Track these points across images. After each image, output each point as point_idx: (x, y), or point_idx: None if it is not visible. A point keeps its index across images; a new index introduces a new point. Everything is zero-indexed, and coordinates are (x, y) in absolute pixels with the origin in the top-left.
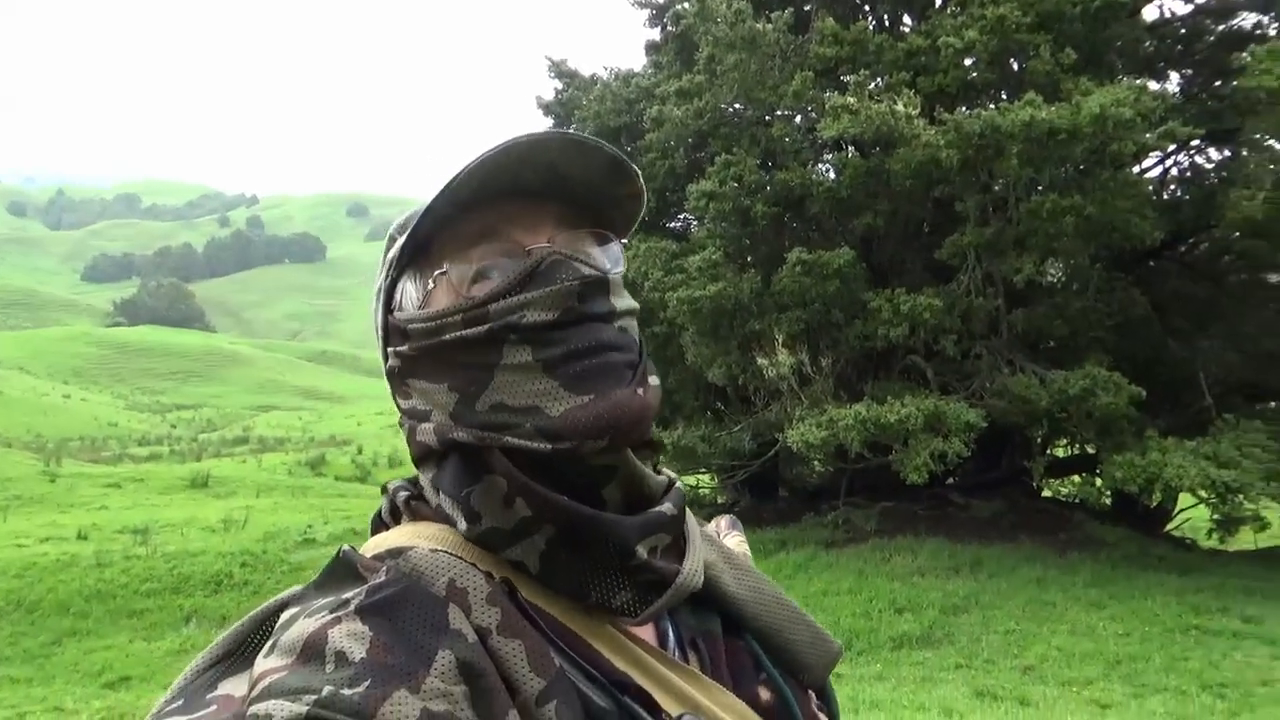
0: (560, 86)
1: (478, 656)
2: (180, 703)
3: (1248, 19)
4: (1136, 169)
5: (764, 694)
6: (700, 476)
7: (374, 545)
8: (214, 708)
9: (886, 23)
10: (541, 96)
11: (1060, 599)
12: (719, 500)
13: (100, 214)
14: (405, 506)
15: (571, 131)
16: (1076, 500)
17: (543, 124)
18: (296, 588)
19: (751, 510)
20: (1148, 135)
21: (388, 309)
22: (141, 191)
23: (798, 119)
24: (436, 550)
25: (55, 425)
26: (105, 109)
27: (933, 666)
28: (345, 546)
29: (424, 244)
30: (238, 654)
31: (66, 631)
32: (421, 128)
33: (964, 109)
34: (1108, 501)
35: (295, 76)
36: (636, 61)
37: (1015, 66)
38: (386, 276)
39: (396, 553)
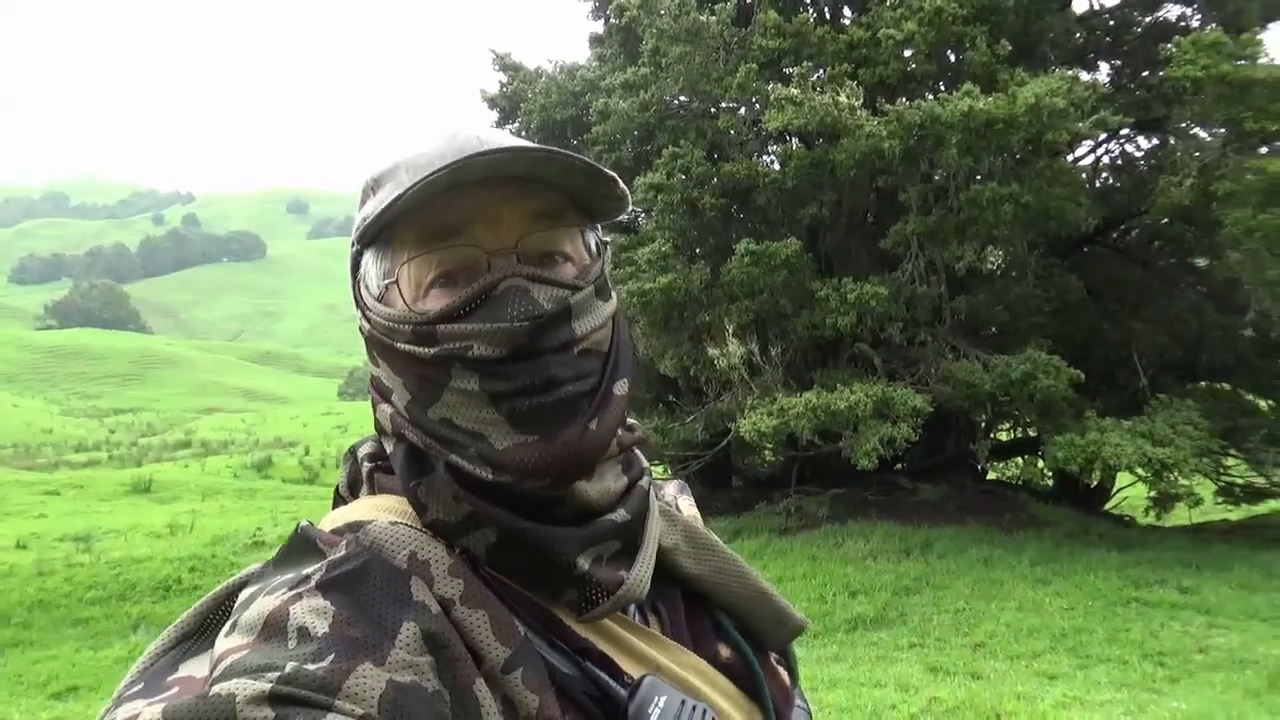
0: (505, 80)
1: (442, 627)
2: (140, 686)
3: (1173, 10)
4: (1070, 158)
5: (724, 651)
6: (655, 468)
7: (333, 520)
8: (175, 690)
9: (828, 15)
10: (486, 90)
11: (1007, 577)
12: None
13: (28, 213)
14: (368, 479)
15: (548, 148)
16: (1020, 482)
17: (488, 117)
18: (255, 565)
19: (705, 500)
20: (1080, 124)
21: (355, 273)
22: (71, 190)
23: (743, 111)
24: (397, 523)
25: None
26: (31, 105)
27: (887, 646)
28: (304, 521)
29: (389, 221)
30: (197, 634)
31: (9, 642)
32: (363, 122)
33: (905, 100)
34: (1050, 482)
35: (232, 71)
36: (581, 54)
37: (953, 58)
38: (353, 242)
39: (356, 526)
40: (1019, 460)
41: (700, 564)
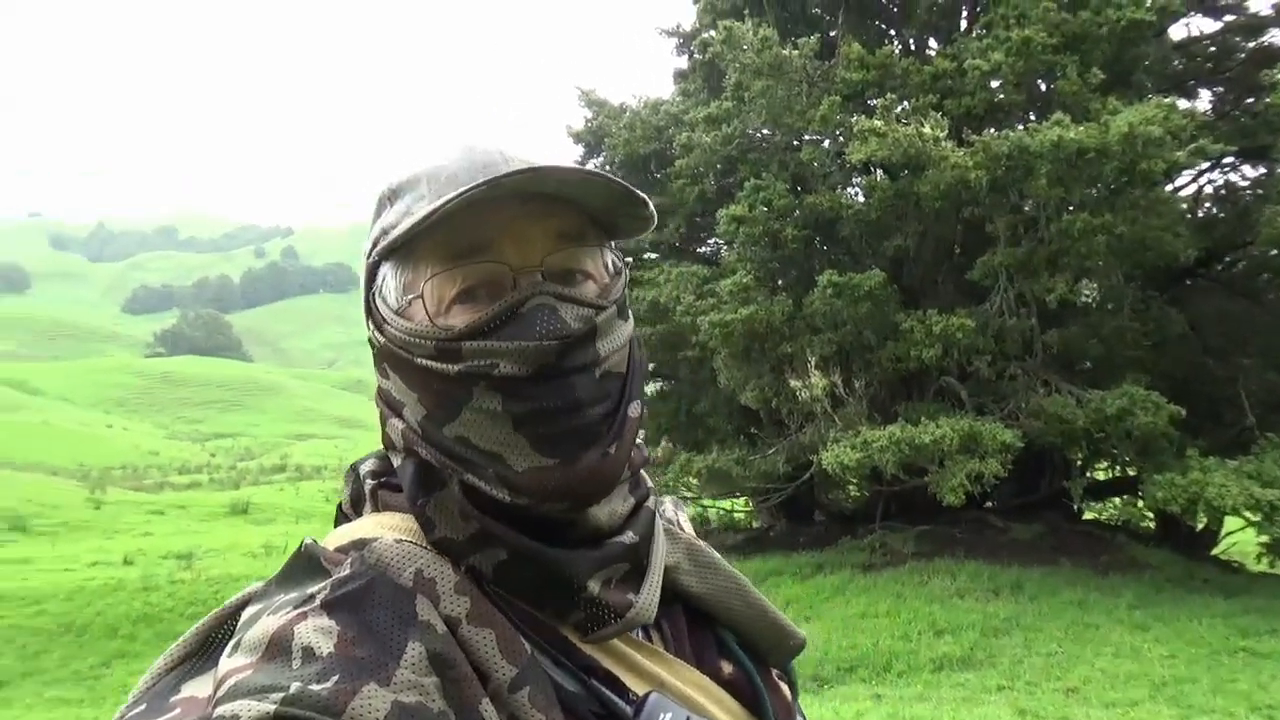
0: (590, 115)
1: (448, 647)
2: (143, 707)
3: (1277, 36)
4: (1169, 187)
5: (726, 668)
6: (735, 500)
7: (337, 537)
8: (178, 711)
9: (912, 46)
10: (572, 125)
11: (1103, 621)
12: (753, 524)
13: (140, 246)
14: (371, 496)
15: (579, 167)
16: (1119, 523)
17: (574, 152)
18: (258, 583)
19: (787, 534)
20: (1178, 153)
21: (370, 284)
22: (179, 224)
23: (826, 143)
24: (402, 540)
25: (99, 454)
26: (145, 145)
27: (974, 688)
28: (308, 539)
29: (412, 234)
30: (200, 653)
31: (115, 654)
32: None
33: (992, 130)
34: (1151, 524)
35: (329, 110)
36: (665, 89)
37: (1043, 87)
38: (371, 252)
39: (361, 544)
40: (1117, 500)
41: (703, 582)
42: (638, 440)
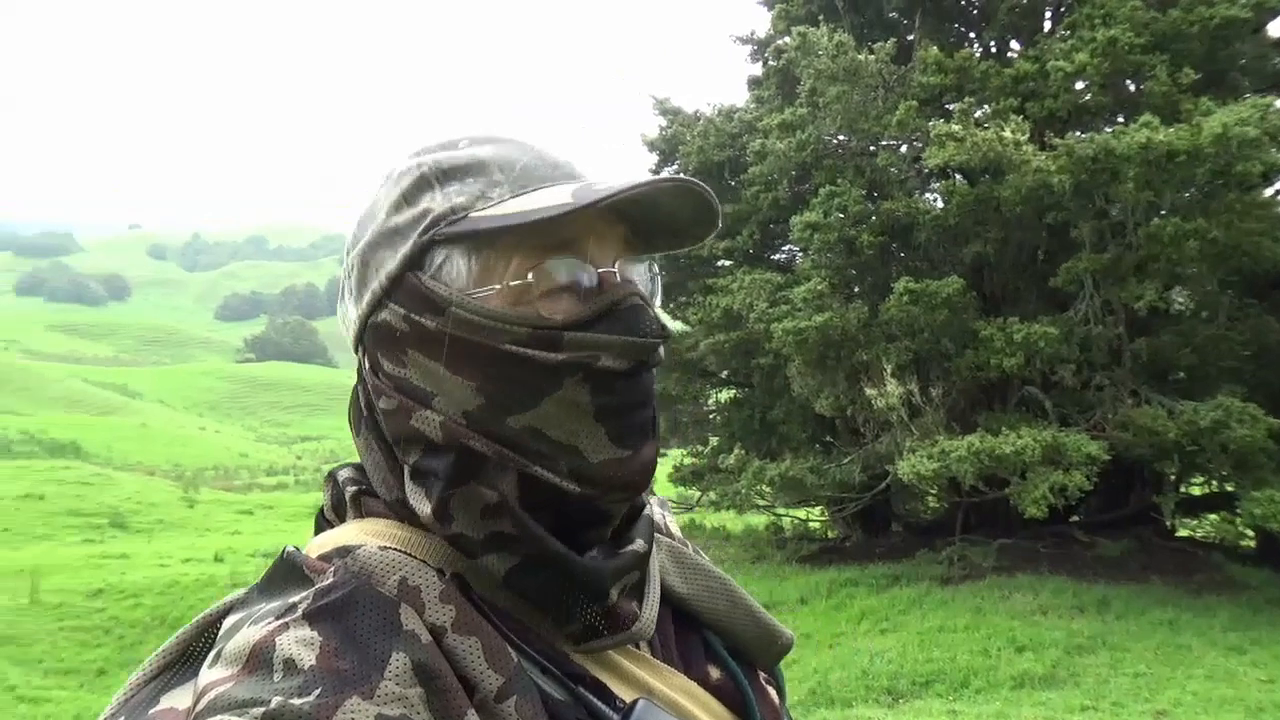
0: (664, 123)
1: (432, 657)
2: (122, 719)
3: None
4: (1270, 191)
5: (714, 673)
6: (809, 510)
7: (319, 545)
8: None
9: (993, 49)
10: (646, 134)
11: (1195, 643)
12: (829, 534)
13: (232, 256)
14: (353, 502)
15: (685, 178)
16: (1215, 540)
17: (648, 160)
18: (239, 591)
19: (863, 545)
20: (1277, 154)
21: (415, 266)
22: (269, 234)
23: (903, 148)
24: (386, 548)
25: (192, 455)
26: (236, 158)
27: (1056, 707)
28: (289, 547)
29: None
30: (180, 663)
31: None
32: None
33: (1076, 133)
34: (1250, 542)
35: (412, 119)
36: (739, 97)
37: (1131, 88)
38: (419, 229)
39: (344, 551)
40: (1213, 517)
41: (688, 584)
42: None
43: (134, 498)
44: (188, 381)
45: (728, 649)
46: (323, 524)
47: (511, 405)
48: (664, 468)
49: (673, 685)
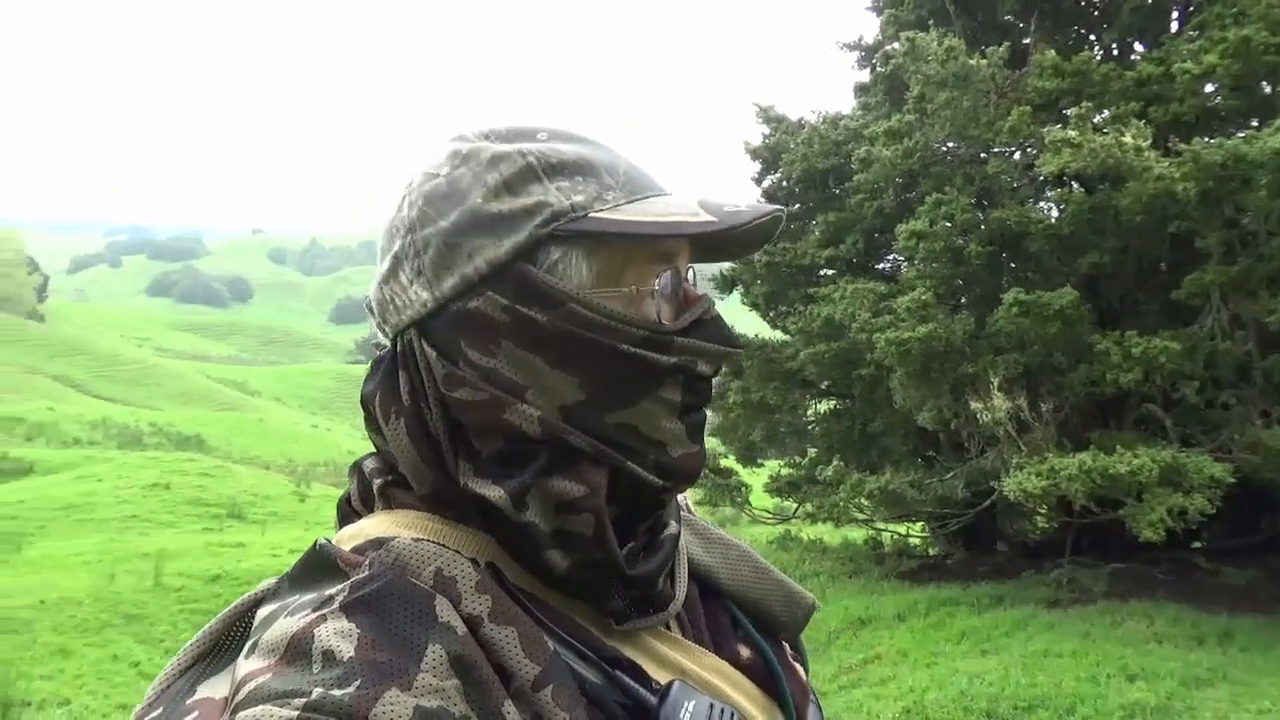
0: (768, 131)
1: (468, 648)
2: (159, 710)
3: None
4: None
5: (744, 652)
6: (910, 525)
7: (350, 536)
8: (195, 714)
9: (1114, 51)
10: (749, 142)
11: None
12: (930, 551)
13: (346, 261)
14: (380, 494)
15: (778, 208)
16: None
17: (750, 169)
18: (270, 581)
19: (966, 563)
20: None
21: (525, 257)
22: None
23: (1015, 155)
24: (420, 539)
25: (305, 451)
26: (352, 164)
27: None
28: (321, 539)
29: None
30: (213, 653)
31: None
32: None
33: (1204, 138)
34: None
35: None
36: (844, 104)
37: (1266, 90)
38: (535, 221)
39: (378, 544)
40: None
41: (711, 555)
42: None
43: (251, 490)
44: (302, 381)
45: (754, 624)
46: (349, 515)
47: (612, 402)
48: (760, 478)
49: (705, 666)
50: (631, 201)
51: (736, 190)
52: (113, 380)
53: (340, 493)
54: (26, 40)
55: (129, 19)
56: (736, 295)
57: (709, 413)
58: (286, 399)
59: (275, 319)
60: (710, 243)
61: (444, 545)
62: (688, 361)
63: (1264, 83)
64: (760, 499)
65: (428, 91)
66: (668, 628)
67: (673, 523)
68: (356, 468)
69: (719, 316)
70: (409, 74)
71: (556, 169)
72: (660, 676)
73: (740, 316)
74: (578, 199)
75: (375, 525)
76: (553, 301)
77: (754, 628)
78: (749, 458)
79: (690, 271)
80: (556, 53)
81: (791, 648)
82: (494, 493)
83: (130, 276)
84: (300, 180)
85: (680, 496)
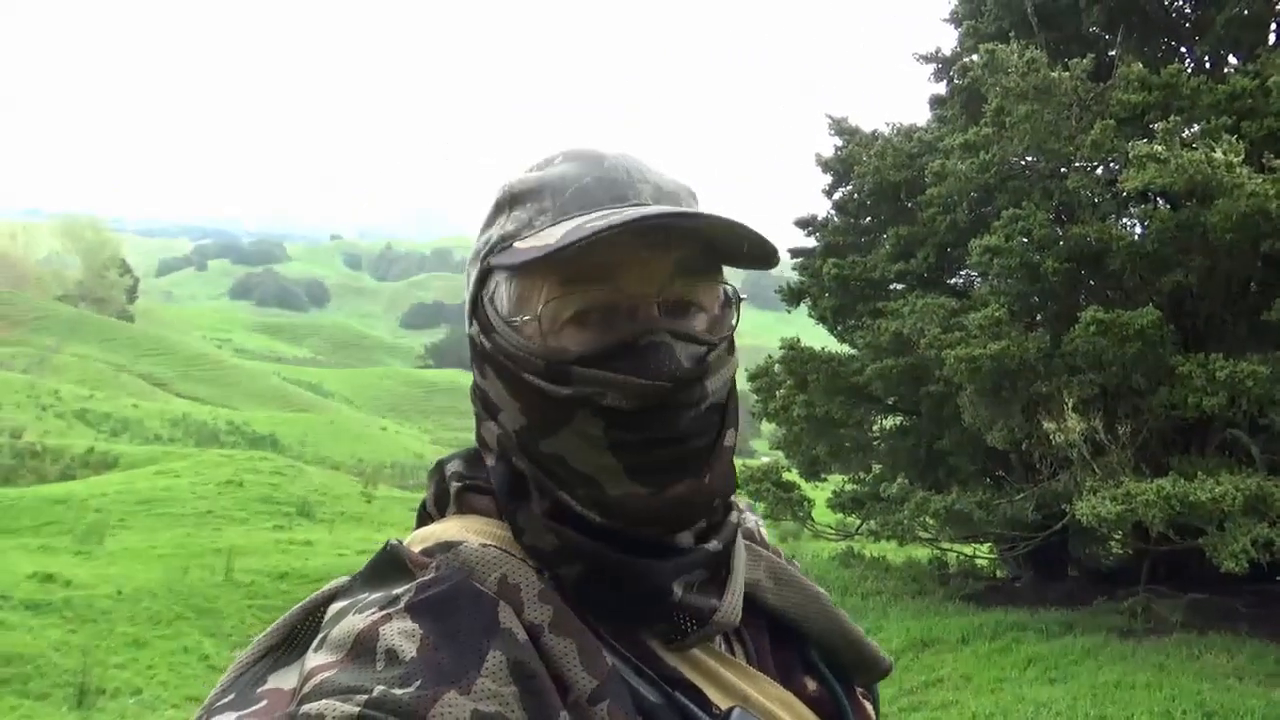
0: (840, 143)
1: (529, 656)
2: (232, 697)
3: None
4: None
5: (810, 685)
6: (977, 546)
7: (421, 538)
8: (264, 703)
9: (1206, 63)
10: (821, 154)
11: None
12: (997, 573)
13: (419, 267)
14: (456, 498)
15: (724, 217)
16: None
17: (821, 181)
18: (343, 578)
19: (1035, 587)
20: None
21: (481, 285)
22: (454, 246)
23: (1097, 170)
24: (487, 545)
25: (373, 452)
26: (424, 173)
27: None
28: (392, 540)
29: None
30: (285, 646)
31: None
32: (708, 180)
33: None
34: None
35: (586, 126)
36: (920, 117)
37: None
38: (485, 255)
39: (447, 547)
40: None
41: (783, 600)
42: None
43: (320, 490)
44: (373, 384)
45: (825, 662)
46: (424, 517)
47: (544, 430)
48: (823, 493)
49: (769, 695)
50: (557, 223)
51: (803, 202)
52: (194, 379)
53: (405, 495)
54: (106, 44)
55: (217, 29)
56: (804, 308)
57: (773, 426)
58: (357, 401)
59: (349, 323)
60: (721, 252)
61: (510, 553)
62: (591, 393)
63: None
64: (823, 514)
65: (497, 95)
66: (733, 654)
67: (714, 542)
68: (438, 469)
69: (657, 345)
70: (428, 80)
71: (517, 198)
72: (721, 702)
73: (807, 329)
74: (510, 228)
75: (446, 529)
76: (490, 330)
77: (824, 664)
78: (813, 472)
79: (719, 288)
80: (557, 52)
81: (864, 689)
82: (511, 520)
83: (214, 279)
84: (376, 188)
85: (755, 527)
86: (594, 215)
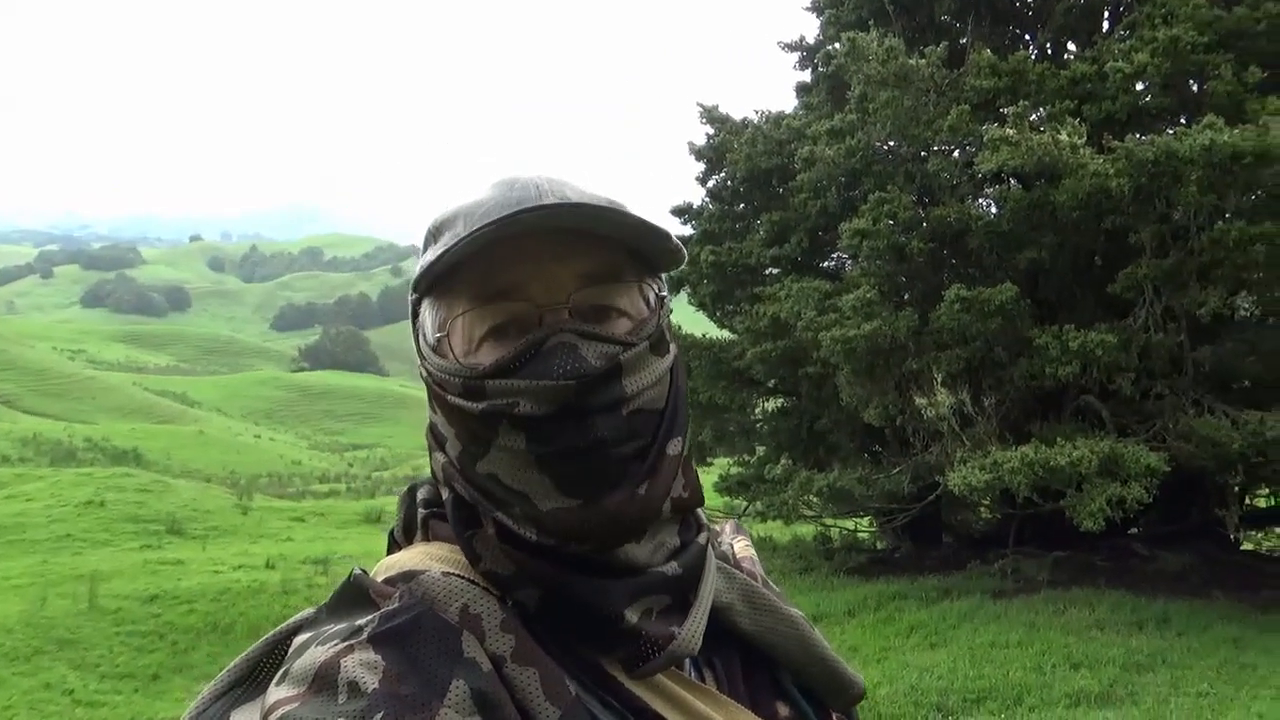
0: (711, 132)
1: (492, 686)
2: None
3: None
4: None
5: (783, 710)
6: (858, 520)
7: (386, 567)
8: None
9: (1049, 50)
10: (694, 142)
11: (1263, 661)
12: (878, 545)
13: (288, 267)
14: (423, 525)
15: (595, 205)
16: None
17: (694, 169)
18: (309, 610)
19: (913, 556)
20: None
21: (415, 319)
22: (324, 245)
23: (955, 154)
24: (449, 574)
25: (247, 462)
26: (296, 170)
27: None
28: (357, 569)
29: (445, 272)
30: (249, 680)
31: None
32: (591, 175)
33: (1136, 135)
34: None
35: (462, 131)
36: (787, 104)
37: (1194, 88)
38: (412, 289)
39: (409, 576)
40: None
41: (756, 624)
42: (690, 479)
43: (190, 505)
44: (244, 390)
45: (798, 687)
46: (392, 545)
47: (475, 452)
48: (710, 477)
49: None
50: (459, 241)
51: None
52: (45, 394)
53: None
54: None
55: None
56: (683, 295)
57: None
58: (227, 409)
59: (215, 328)
60: (640, 256)
61: (474, 581)
62: (504, 405)
63: (1192, 81)
64: (711, 498)
65: (366, 88)
66: (702, 680)
67: (673, 564)
68: (409, 495)
69: (561, 345)
70: (401, 74)
71: (438, 230)
72: None
73: (688, 316)
74: (429, 257)
75: (410, 557)
76: (423, 359)
77: (797, 689)
78: (699, 458)
79: (637, 290)
80: (555, 53)
81: (840, 712)
82: (467, 547)
83: (63, 287)
84: (240, 187)
85: (729, 540)
86: (475, 228)
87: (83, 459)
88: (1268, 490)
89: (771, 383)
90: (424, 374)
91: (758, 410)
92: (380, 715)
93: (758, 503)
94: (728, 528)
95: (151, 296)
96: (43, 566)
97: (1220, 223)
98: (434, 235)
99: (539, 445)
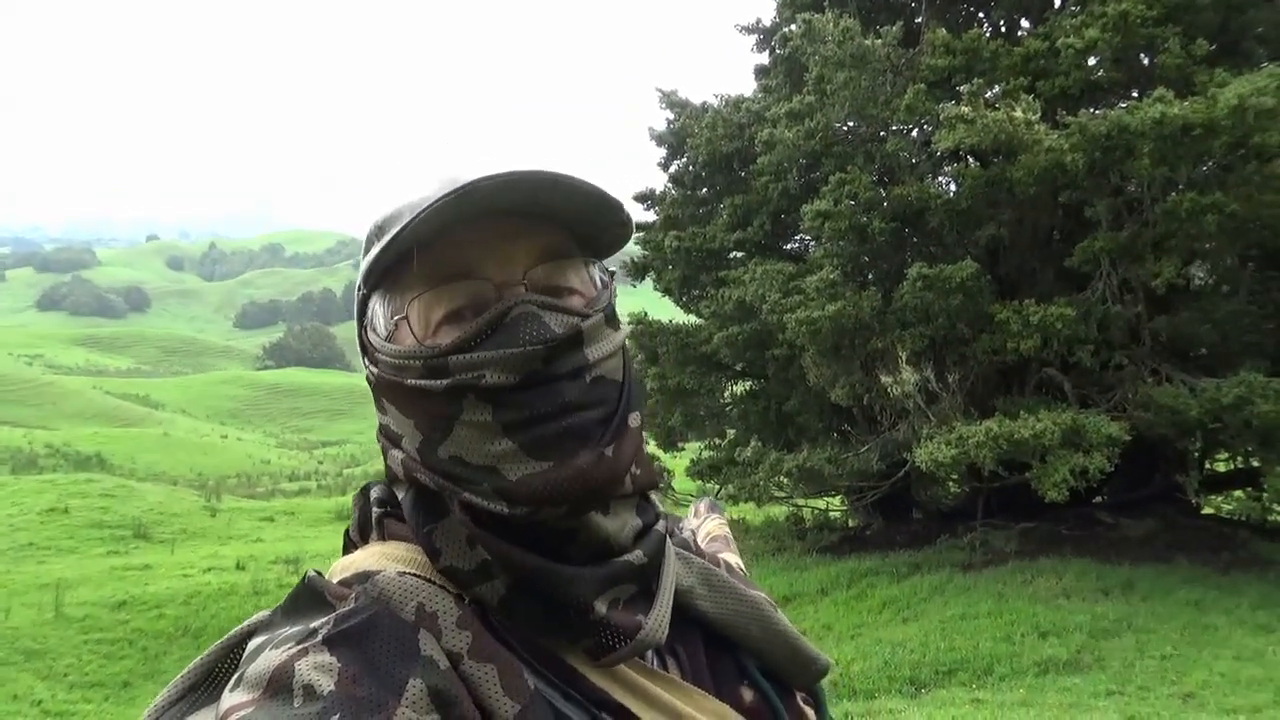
0: (672, 116)
1: (449, 683)
2: None
3: None
4: None
5: (747, 695)
6: (829, 499)
7: (341, 568)
8: None
9: (1002, 28)
10: (654, 127)
11: (1223, 622)
12: (849, 523)
13: (249, 264)
14: (377, 525)
15: (551, 171)
16: (1241, 518)
17: (656, 154)
18: (264, 613)
19: (884, 533)
20: None
21: (361, 319)
22: (286, 241)
23: (913, 133)
24: (405, 573)
25: (215, 463)
26: (253, 166)
27: (1081, 693)
28: (311, 571)
29: (394, 262)
30: (205, 685)
31: None
32: (591, 175)
33: (1090, 110)
34: (1277, 518)
35: (422, 123)
36: (746, 87)
37: (1144, 62)
38: (360, 286)
39: (364, 577)
40: (1239, 493)
41: (718, 606)
42: (646, 460)
43: (156, 508)
44: (208, 390)
45: (762, 670)
46: (349, 545)
47: (436, 438)
48: (681, 461)
49: (703, 708)
50: (413, 218)
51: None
52: (2, 401)
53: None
54: None
55: None
56: (649, 281)
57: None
58: (193, 410)
59: (177, 327)
60: (583, 235)
61: (429, 579)
62: (470, 379)
63: (1142, 55)
64: (684, 483)
65: (321, 80)
66: (665, 668)
67: (637, 553)
68: (363, 495)
69: (525, 315)
70: (298, 62)
71: (382, 228)
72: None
73: (654, 302)
74: (375, 250)
75: (366, 558)
76: (375, 354)
77: (761, 673)
78: (670, 442)
79: (583, 265)
80: (556, 52)
81: (808, 693)
82: (426, 544)
83: (17, 291)
84: (198, 182)
85: (690, 535)
86: (431, 201)
87: (44, 465)
88: (1226, 455)
89: (739, 366)
90: (372, 374)
91: (727, 394)
92: (336, 717)
93: (729, 485)
94: (701, 506)
95: (109, 298)
96: (5, 576)
97: (1173, 194)
98: (378, 233)
99: (507, 413)
